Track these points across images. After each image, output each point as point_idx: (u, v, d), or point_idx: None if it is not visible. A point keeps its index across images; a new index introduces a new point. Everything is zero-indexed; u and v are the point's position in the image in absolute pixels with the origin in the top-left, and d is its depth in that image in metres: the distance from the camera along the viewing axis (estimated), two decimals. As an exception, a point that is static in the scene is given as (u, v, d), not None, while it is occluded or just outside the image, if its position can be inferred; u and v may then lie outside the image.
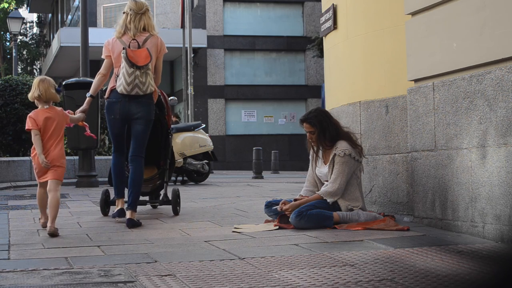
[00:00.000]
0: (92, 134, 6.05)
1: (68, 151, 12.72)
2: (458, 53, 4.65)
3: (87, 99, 5.93)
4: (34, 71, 43.02)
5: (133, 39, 5.73)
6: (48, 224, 5.08)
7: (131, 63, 5.61)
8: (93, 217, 6.18)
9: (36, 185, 10.77)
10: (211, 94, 26.08)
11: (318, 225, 5.01)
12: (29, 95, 5.46)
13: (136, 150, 5.73)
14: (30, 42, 41.11)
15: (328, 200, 5.17)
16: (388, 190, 5.71)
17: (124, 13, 5.84)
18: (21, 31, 34.88)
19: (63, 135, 5.63)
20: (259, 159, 15.63)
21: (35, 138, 5.40)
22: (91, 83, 11.22)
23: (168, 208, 6.51)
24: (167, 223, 5.71)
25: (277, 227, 5.13)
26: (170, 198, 6.23)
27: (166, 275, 3.46)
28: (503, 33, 4.20)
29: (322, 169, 5.37)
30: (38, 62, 43.38)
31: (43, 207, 5.49)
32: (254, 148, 16.31)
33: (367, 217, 5.13)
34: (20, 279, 3.41)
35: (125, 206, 5.66)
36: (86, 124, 5.84)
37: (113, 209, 5.92)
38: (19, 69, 37.21)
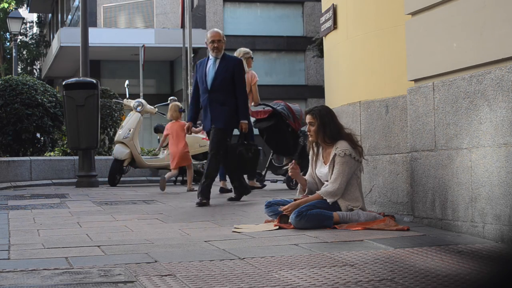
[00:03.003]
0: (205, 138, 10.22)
1: (68, 151, 12.73)
2: (458, 53, 4.65)
3: None
4: (34, 71, 43.01)
5: None
6: (187, 188, 9.64)
7: None
8: (93, 217, 6.18)
9: (36, 185, 10.79)
10: (211, 94, 26.05)
11: (318, 225, 5.02)
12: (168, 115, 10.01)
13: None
14: (30, 42, 41.10)
15: (328, 200, 5.17)
16: (388, 190, 5.71)
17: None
18: (21, 31, 34.86)
19: (183, 138, 9.60)
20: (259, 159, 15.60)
21: (163, 139, 10.38)
22: (91, 83, 11.25)
23: (169, 208, 6.63)
24: (167, 223, 5.71)
25: (277, 227, 5.13)
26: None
27: (166, 275, 3.46)
28: (503, 33, 4.20)
29: (322, 169, 5.38)
30: (38, 62, 43.37)
31: (163, 186, 9.26)
32: (254, 148, 16.25)
33: (367, 217, 5.13)
34: (20, 279, 3.41)
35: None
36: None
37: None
38: (19, 69, 37.19)
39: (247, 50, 9.52)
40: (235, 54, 8.94)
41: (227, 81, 7.32)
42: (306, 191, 5.47)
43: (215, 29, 7.69)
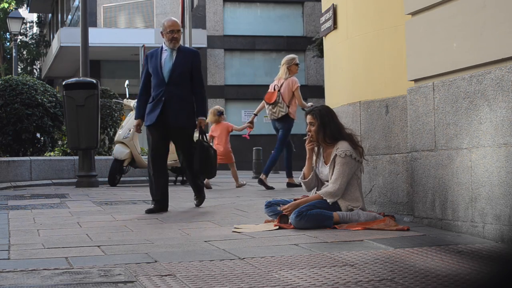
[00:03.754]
0: (247, 135, 10.77)
1: (68, 151, 12.73)
2: (458, 53, 4.65)
3: (252, 115, 10.29)
4: (34, 71, 43.00)
5: (276, 84, 9.61)
6: (236, 185, 10.30)
7: (266, 102, 9.66)
8: (93, 217, 6.18)
9: (36, 185, 10.79)
10: (211, 94, 26.07)
11: (318, 225, 5.01)
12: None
13: (278, 143, 9.70)
14: (30, 42, 41.09)
15: (328, 200, 5.17)
16: (388, 190, 5.71)
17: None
18: (21, 31, 34.86)
19: (226, 138, 10.26)
20: (259, 159, 15.64)
21: (208, 139, 9.08)
22: (91, 83, 11.24)
23: (169, 208, 6.71)
24: (167, 223, 5.71)
25: (277, 227, 5.13)
26: None
27: (166, 275, 3.46)
28: (503, 33, 4.20)
29: (322, 169, 5.38)
30: (38, 62, 43.35)
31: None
32: (254, 148, 16.31)
33: (367, 217, 5.12)
34: (20, 279, 3.41)
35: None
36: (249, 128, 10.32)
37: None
38: (19, 69, 37.19)
39: (292, 56, 9.73)
40: (282, 62, 9.74)
41: (186, 75, 6.71)
42: (307, 179, 5.45)
43: (172, 18, 6.97)
